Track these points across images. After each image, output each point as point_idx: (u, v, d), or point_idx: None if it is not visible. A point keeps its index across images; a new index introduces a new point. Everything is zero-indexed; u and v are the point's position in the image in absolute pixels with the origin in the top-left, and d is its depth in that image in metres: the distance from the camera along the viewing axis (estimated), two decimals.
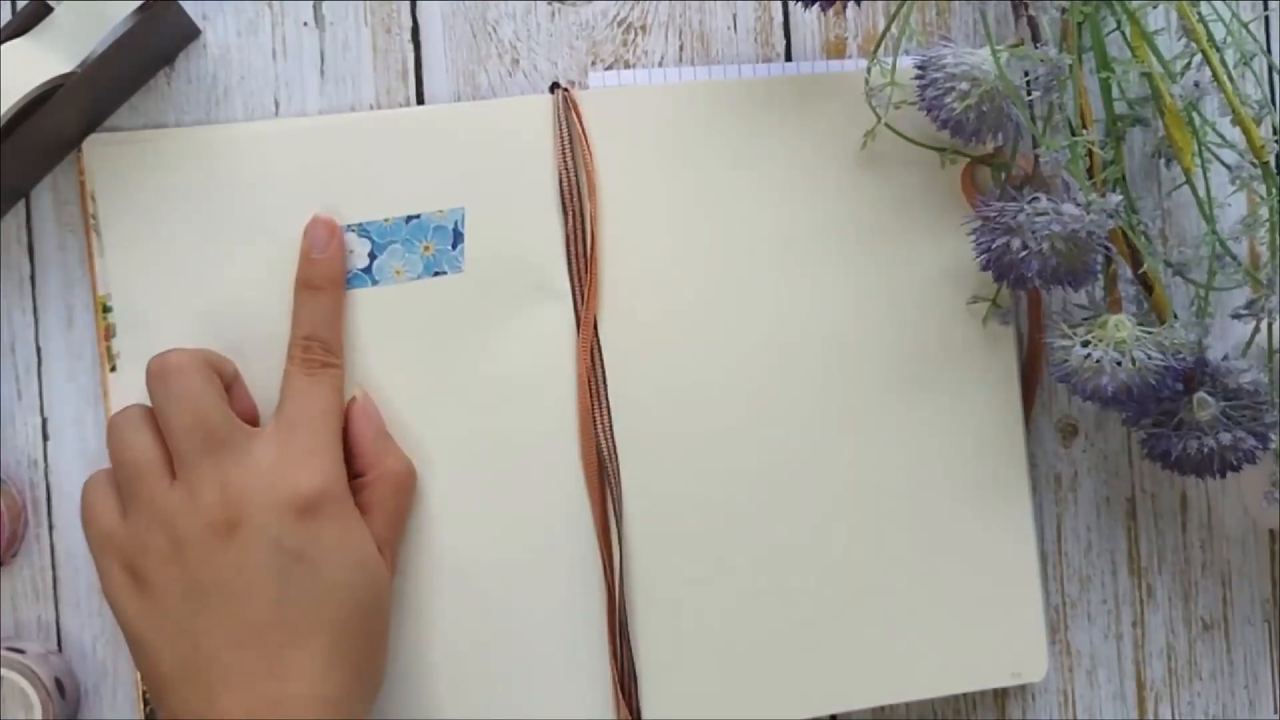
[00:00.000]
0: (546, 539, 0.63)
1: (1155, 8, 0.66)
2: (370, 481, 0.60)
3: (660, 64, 0.66)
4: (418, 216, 0.62)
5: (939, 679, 0.66)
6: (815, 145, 0.65)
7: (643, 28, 0.66)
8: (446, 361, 0.62)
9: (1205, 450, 0.61)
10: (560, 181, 0.63)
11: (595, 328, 0.63)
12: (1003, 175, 0.64)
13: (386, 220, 0.62)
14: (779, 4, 0.67)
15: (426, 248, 0.62)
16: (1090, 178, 0.60)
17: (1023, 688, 0.68)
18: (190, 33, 0.63)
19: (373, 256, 0.62)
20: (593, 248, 0.63)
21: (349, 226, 0.62)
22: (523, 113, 0.63)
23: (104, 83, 0.60)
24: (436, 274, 0.62)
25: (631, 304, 0.63)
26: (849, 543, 0.65)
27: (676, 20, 0.66)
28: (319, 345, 0.60)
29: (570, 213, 0.63)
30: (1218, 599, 0.70)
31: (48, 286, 0.63)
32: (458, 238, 0.62)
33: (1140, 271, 0.62)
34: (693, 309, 0.64)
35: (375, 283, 0.62)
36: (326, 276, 0.61)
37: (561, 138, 0.63)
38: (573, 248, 0.63)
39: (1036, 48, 0.59)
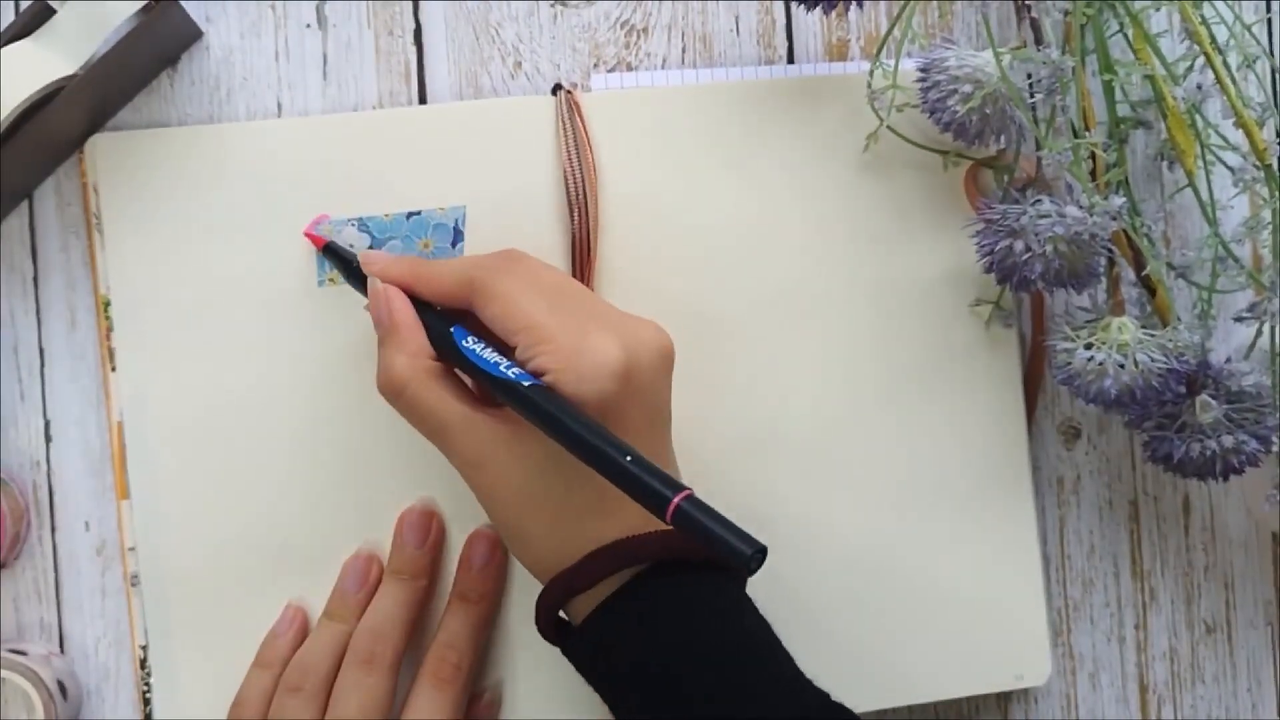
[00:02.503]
0: None
1: (1158, 10, 0.66)
2: None
3: (663, 66, 0.66)
4: (418, 213, 0.62)
5: (942, 682, 0.66)
6: (818, 147, 0.65)
7: (645, 30, 0.66)
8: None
9: (1208, 453, 0.61)
10: (567, 182, 0.63)
11: None
12: (1005, 178, 0.64)
13: (387, 216, 0.62)
14: (781, 6, 0.67)
15: (426, 244, 0.62)
16: (1093, 180, 0.60)
17: (1025, 691, 0.68)
18: (193, 34, 0.63)
19: None
20: (595, 249, 0.63)
21: (349, 221, 0.62)
22: (525, 113, 0.63)
23: (106, 84, 0.60)
24: None
25: (633, 305, 0.63)
26: (851, 546, 0.65)
27: (679, 22, 0.66)
28: (454, 654, 0.60)
29: (577, 211, 0.63)
30: (1220, 602, 0.70)
31: (50, 288, 0.63)
32: (458, 236, 0.62)
33: (1143, 274, 0.62)
34: (695, 310, 0.64)
35: None
36: (481, 591, 0.62)
37: (566, 139, 0.63)
38: (579, 248, 0.63)
39: (1039, 50, 0.59)
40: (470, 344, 0.56)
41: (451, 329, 0.57)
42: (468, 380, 0.58)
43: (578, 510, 0.55)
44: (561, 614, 0.57)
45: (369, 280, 0.59)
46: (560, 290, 0.57)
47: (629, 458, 0.51)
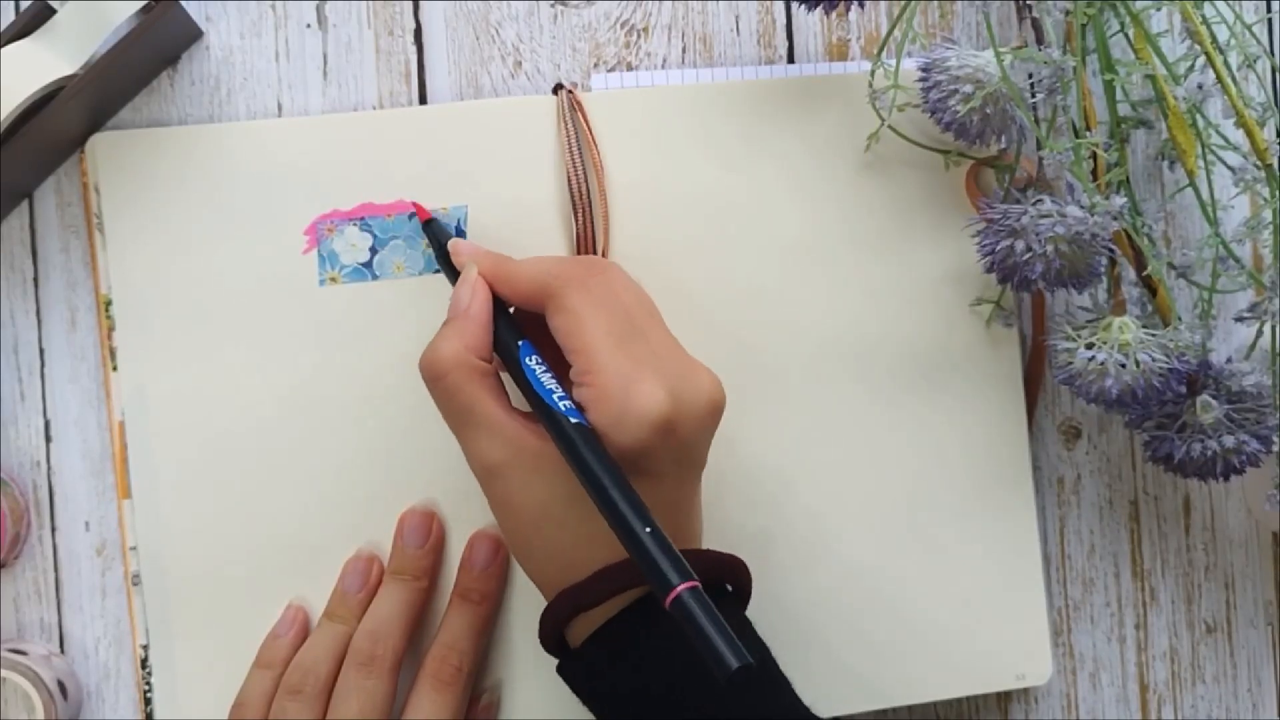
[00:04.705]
0: None
1: (1159, 10, 0.66)
2: None
3: (663, 66, 0.66)
4: None
5: (943, 682, 0.66)
6: (818, 148, 0.65)
7: (645, 30, 0.66)
8: None
9: (1208, 453, 0.61)
10: (569, 182, 0.63)
11: None
12: (1006, 177, 0.64)
13: (389, 216, 0.62)
14: (781, 6, 0.67)
15: (428, 245, 0.62)
16: (1094, 180, 0.60)
17: (1025, 691, 0.68)
18: (193, 34, 0.63)
19: (374, 251, 0.62)
20: (605, 249, 0.63)
21: (351, 221, 0.62)
22: (526, 113, 0.63)
23: (107, 84, 0.60)
24: (437, 271, 0.62)
25: None
26: (853, 545, 0.65)
27: (679, 22, 0.66)
28: (455, 655, 0.60)
29: (580, 210, 0.62)
30: (1221, 601, 0.70)
31: (51, 288, 0.63)
32: (460, 235, 0.62)
33: (1144, 274, 0.62)
34: (696, 311, 0.64)
35: (375, 278, 0.62)
36: (483, 592, 0.62)
37: (568, 138, 0.63)
38: (582, 248, 0.63)
39: (1040, 50, 0.59)
40: (533, 363, 0.56)
41: (520, 342, 0.57)
42: (512, 396, 0.57)
43: (590, 535, 0.55)
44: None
45: (467, 267, 0.58)
46: (630, 317, 0.56)
47: (649, 529, 0.51)
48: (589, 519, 0.54)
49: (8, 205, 0.62)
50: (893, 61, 0.62)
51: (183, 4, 0.61)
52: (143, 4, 0.59)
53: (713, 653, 0.48)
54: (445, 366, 0.55)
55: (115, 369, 0.62)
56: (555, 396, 0.54)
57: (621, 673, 0.55)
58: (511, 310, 0.58)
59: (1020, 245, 0.59)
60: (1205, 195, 0.62)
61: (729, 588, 0.57)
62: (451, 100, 0.65)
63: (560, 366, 0.56)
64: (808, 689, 0.58)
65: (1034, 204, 0.59)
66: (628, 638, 0.55)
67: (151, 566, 0.62)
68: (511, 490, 0.55)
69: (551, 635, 0.56)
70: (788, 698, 0.56)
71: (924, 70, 0.61)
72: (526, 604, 0.63)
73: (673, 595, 0.49)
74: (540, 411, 0.55)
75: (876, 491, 0.65)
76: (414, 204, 0.62)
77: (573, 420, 0.53)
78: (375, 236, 0.62)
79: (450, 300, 0.58)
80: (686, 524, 0.56)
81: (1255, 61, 0.62)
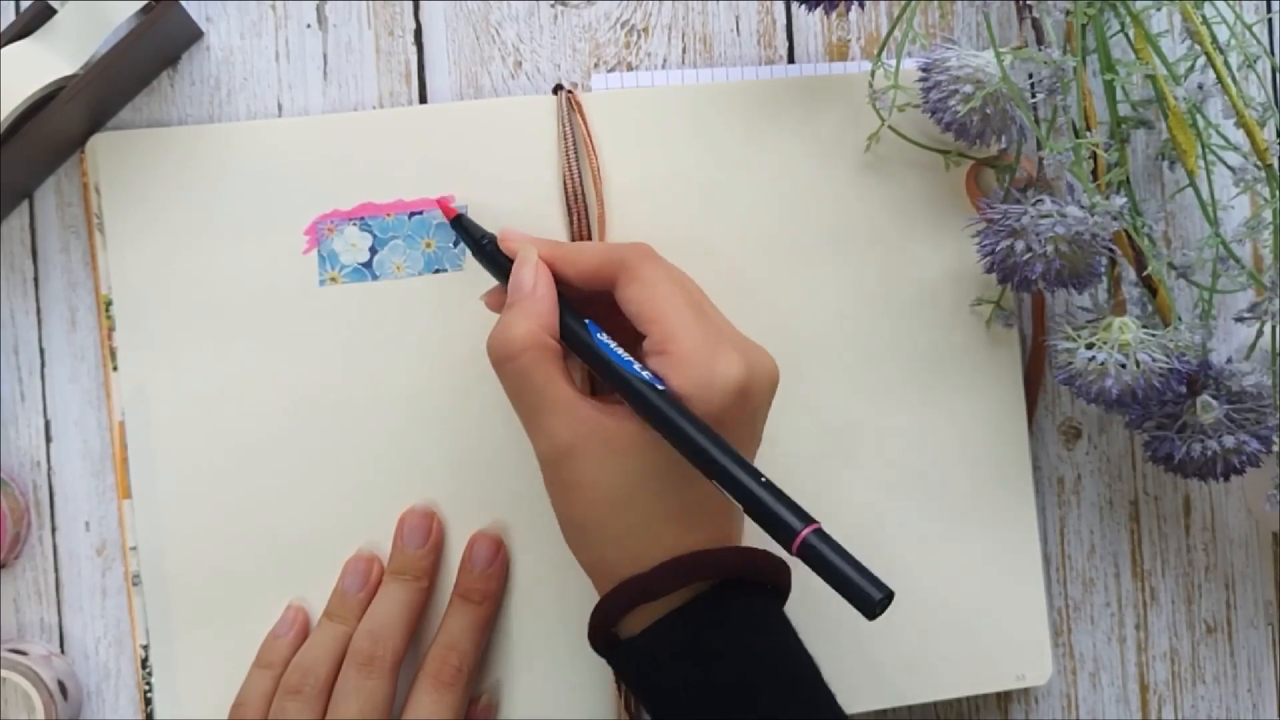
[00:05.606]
0: (548, 536, 0.63)
1: (1159, 10, 0.66)
2: None
3: (663, 66, 0.66)
4: (420, 213, 0.62)
5: (943, 682, 0.66)
6: (819, 148, 0.65)
7: (645, 30, 0.66)
8: (445, 359, 0.62)
9: (1208, 453, 0.61)
10: (565, 183, 0.63)
11: None
12: (1007, 177, 0.64)
13: (389, 215, 0.62)
14: (781, 6, 0.67)
15: (428, 244, 0.62)
16: (1094, 180, 0.60)
17: (1025, 691, 0.68)
18: (193, 34, 0.63)
19: (374, 251, 0.62)
20: None
21: (351, 221, 0.62)
22: (526, 113, 0.63)
23: (107, 84, 0.60)
24: (437, 271, 0.63)
25: None
26: (852, 545, 0.65)
27: (679, 22, 0.66)
28: (455, 655, 0.60)
29: (575, 213, 0.63)
30: (1221, 602, 0.70)
31: (51, 288, 0.63)
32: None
33: (1144, 274, 0.62)
34: None
35: (375, 278, 0.62)
36: (483, 592, 0.62)
37: (566, 139, 0.63)
38: None
39: (1040, 50, 0.59)
40: (605, 338, 0.56)
41: (586, 321, 0.56)
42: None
43: (662, 517, 0.54)
44: None
45: (523, 248, 0.58)
46: (692, 294, 0.57)
47: (762, 480, 0.51)
48: (661, 497, 0.53)
49: (8, 205, 0.62)
50: (893, 61, 0.62)
51: (183, 4, 0.61)
52: (143, 4, 0.59)
53: (852, 588, 0.49)
54: (518, 346, 0.55)
55: (115, 369, 0.62)
56: (636, 367, 0.54)
57: (683, 667, 0.54)
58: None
59: (1020, 245, 0.59)
60: (1205, 195, 0.62)
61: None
62: (451, 100, 0.65)
63: (624, 346, 0.56)
64: None
65: (1034, 204, 0.59)
66: (691, 632, 0.54)
67: (151, 566, 0.62)
68: (583, 471, 0.54)
69: (605, 623, 0.56)
70: (829, 695, 0.56)
71: (924, 70, 0.61)
72: (527, 604, 0.63)
73: (799, 539, 0.49)
74: (620, 384, 0.54)
75: (876, 491, 0.65)
76: (439, 201, 0.61)
77: (659, 388, 0.53)
78: (375, 236, 0.62)
79: (510, 285, 0.57)
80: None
81: (1255, 61, 0.62)
